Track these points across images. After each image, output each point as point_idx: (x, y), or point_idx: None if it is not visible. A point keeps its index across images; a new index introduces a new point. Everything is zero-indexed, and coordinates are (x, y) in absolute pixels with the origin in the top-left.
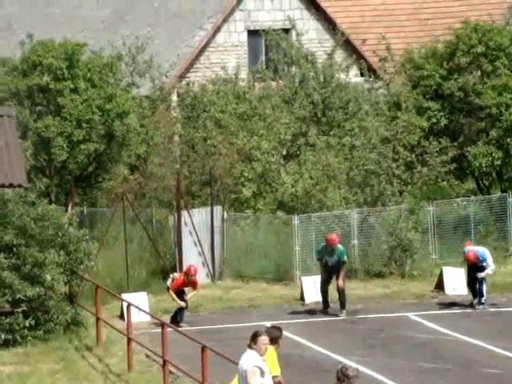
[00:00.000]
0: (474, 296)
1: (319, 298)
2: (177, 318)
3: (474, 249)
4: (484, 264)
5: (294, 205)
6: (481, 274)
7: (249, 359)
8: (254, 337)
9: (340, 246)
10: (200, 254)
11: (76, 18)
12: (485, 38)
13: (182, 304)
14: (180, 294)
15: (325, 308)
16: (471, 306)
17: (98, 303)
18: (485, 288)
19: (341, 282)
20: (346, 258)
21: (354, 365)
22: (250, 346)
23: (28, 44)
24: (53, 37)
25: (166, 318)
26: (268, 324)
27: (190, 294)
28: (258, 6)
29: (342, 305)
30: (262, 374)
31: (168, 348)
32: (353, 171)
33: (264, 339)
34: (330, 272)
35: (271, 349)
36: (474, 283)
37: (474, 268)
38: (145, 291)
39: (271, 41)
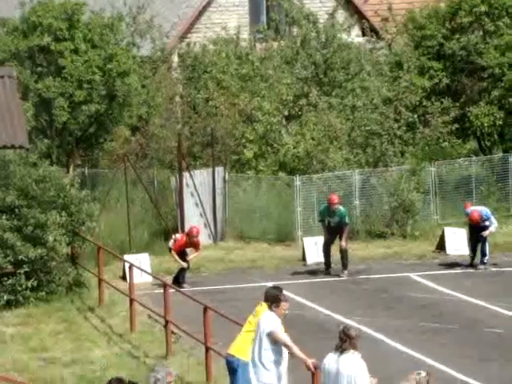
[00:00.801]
0: (474, 257)
1: (321, 259)
2: (179, 278)
3: (477, 208)
4: (487, 223)
5: (296, 166)
6: (485, 233)
7: (271, 320)
8: (277, 300)
9: (341, 208)
10: (202, 215)
11: None
12: None
13: (184, 265)
14: (182, 254)
15: (327, 268)
16: (472, 266)
17: (100, 264)
18: (487, 248)
19: (343, 243)
20: (347, 220)
21: (355, 325)
22: (270, 308)
23: (28, 4)
24: None
25: (168, 279)
26: (270, 284)
27: (192, 254)
28: None
29: (344, 265)
30: None
31: (170, 308)
32: (354, 132)
33: (285, 305)
34: (332, 233)
35: (265, 309)
36: (476, 243)
37: (477, 228)
38: (147, 252)
39: (272, 0)
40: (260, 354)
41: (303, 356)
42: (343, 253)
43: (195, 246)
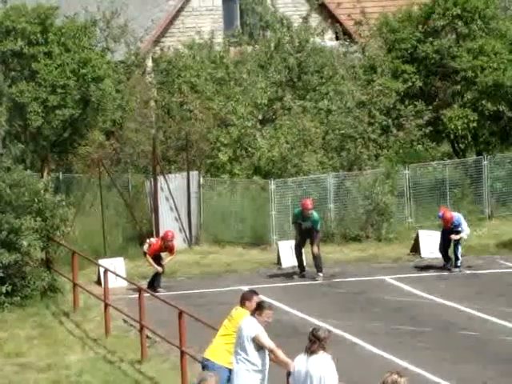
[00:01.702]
0: (446, 260)
1: (296, 263)
2: (154, 283)
3: (450, 211)
4: (459, 229)
5: (271, 169)
6: (455, 237)
7: (253, 325)
8: (261, 308)
9: (315, 213)
10: (176, 219)
11: None
12: (460, 0)
13: (159, 269)
14: (157, 258)
15: (301, 271)
16: (445, 268)
17: (74, 269)
18: (459, 251)
19: (315, 249)
20: (319, 227)
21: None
22: (253, 314)
23: (1, 9)
24: (26, 1)
25: (143, 284)
26: (245, 288)
27: (166, 258)
28: None
29: (319, 268)
30: None
31: (145, 313)
32: (329, 135)
33: (268, 313)
34: (304, 235)
35: (241, 312)
36: (447, 247)
37: (449, 231)
38: (121, 257)
39: (246, 5)
40: (243, 359)
41: (287, 360)
42: (316, 257)
43: (170, 250)
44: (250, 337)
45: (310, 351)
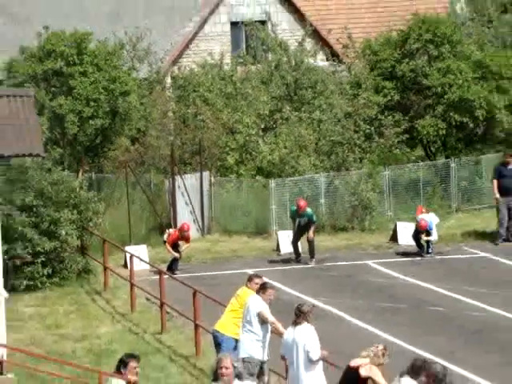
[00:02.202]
0: (419, 247)
1: (292, 250)
2: (172, 266)
3: (425, 217)
4: (430, 231)
5: (271, 170)
6: (426, 238)
7: (259, 302)
8: (265, 288)
9: (308, 210)
10: (191, 212)
11: (84, 11)
12: (431, 27)
13: (176, 255)
14: (175, 246)
15: (297, 257)
16: (419, 255)
17: (105, 254)
18: (432, 239)
19: (311, 234)
20: (315, 219)
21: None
22: (258, 293)
23: (44, 34)
24: (64, 28)
25: (163, 267)
26: (249, 271)
27: (183, 246)
28: (238, 0)
29: (312, 254)
30: None
31: (165, 292)
32: (320, 141)
33: (271, 292)
34: (301, 229)
35: (246, 291)
36: (419, 240)
37: (421, 232)
38: (145, 244)
39: (250, 31)
40: (248, 331)
41: (285, 331)
42: (310, 243)
43: (186, 239)
44: (255, 312)
45: (296, 323)
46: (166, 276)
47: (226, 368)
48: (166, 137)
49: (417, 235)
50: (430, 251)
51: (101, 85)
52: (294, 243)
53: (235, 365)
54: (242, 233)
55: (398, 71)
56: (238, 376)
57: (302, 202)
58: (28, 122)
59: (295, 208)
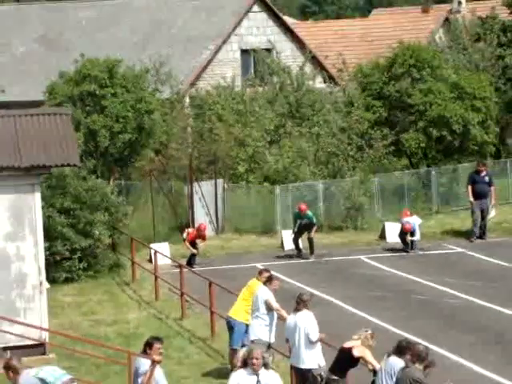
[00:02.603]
0: (405, 244)
1: (294, 247)
2: (191, 261)
3: (409, 220)
4: (414, 232)
5: (276, 178)
6: (411, 238)
7: (266, 292)
8: (271, 279)
9: (309, 212)
10: (207, 214)
11: (115, 41)
12: (414, 54)
13: (194, 251)
14: (193, 244)
15: (298, 253)
16: (404, 251)
17: (132, 251)
18: (416, 239)
19: (311, 234)
20: (315, 221)
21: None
22: (265, 283)
23: (80, 61)
24: (98, 55)
25: (183, 262)
26: (258, 265)
27: (200, 244)
28: (248, 31)
29: (311, 251)
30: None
31: (184, 283)
32: (319, 152)
33: (276, 283)
34: (302, 229)
35: (255, 282)
36: (404, 239)
37: (406, 233)
38: (167, 242)
39: (258, 57)
40: (257, 317)
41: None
42: (310, 241)
43: (203, 237)
44: (263, 300)
45: (297, 309)
46: (186, 269)
47: (257, 359)
48: (185, 149)
49: (402, 235)
50: (414, 248)
51: (129, 104)
52: (295, 241)
53: (264, 355)
54: (251, 232)
55: (385, 92)
56: (265, 365)
57: (303, 206)
58: (66, 137)
59: (297, 211)
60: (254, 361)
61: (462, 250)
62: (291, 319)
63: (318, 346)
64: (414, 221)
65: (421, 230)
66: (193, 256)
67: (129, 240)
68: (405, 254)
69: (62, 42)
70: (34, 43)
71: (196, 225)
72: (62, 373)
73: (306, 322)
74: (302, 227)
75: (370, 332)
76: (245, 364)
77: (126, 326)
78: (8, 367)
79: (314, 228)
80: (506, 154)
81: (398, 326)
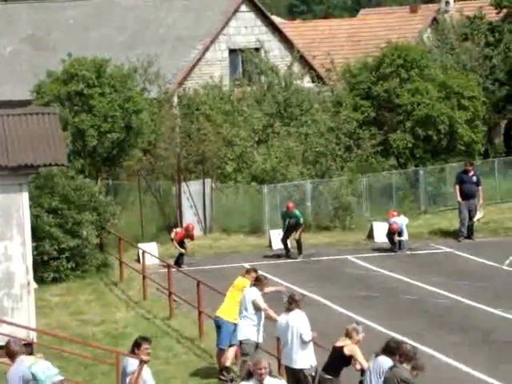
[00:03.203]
0: (392, 244)
1: (282, 246)
2: (179, 261)
3: (396, 221)
4: (402, 232)
5: (264, 177)
6: (399, 238)
7: (254, 292)
8: (259, 280)
9: (297, 211)
10: (195, 214)
11: (102, 41)
12: (402, 54)
13: (183, 251)
14: (181, 243)
15: (287, 253)
16: (392, 250)
17: (120, 251)
18: (403, 239)
19: (297, 235)
20: (302, 221)
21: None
22: (254, 284)
23: (67, 60)
24: (86, 55)
25: (171, 261)
26: (246, 265)
27: (188, 243)
28: (236, 31)
29: (299, 251)
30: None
31: (172, 283)
32: (307, 152)
33: (266, 282)
34: (290, 229)
35: (241, 280)
36: (392, 239)
37: (394, 233)
38: (155, 242)
39: (246, 57)
40: (245, 317)
41: (276, 317)
42: (298, 242)
43: (191, 237)
44: (250, 300)
45: (289, 309)
46: (174, 269)
47: (265, 368)
48: (173, 149)
49: (390, 235)
50: (402, 248)
51: (117, 103)
52: (284, 240)
53: (270, 363)
54: (239, 231)
55: (373, 92)
56: (270, 373)
57: (291, 204)
58: (54, 136)
59: (285, 209)
60: (263, 371)
61: (449, 250)
62: (283, 319)
63: (310, 345)
64: (401, 221)
65: (408, 229)
66: (181, 256)
67: (117, 240)
68: (392, 253)
69: (50, 41)
70: (22, 43)
71: (184, 224)
72: (55, 373)
73: (298, 322)
74: (291, 227)
75: (352, 326)
76: (250, 374)
77: (113, 325)
78: (5, 350)
79: (300, 229)
80: (494, 154)
81: (385, 325)
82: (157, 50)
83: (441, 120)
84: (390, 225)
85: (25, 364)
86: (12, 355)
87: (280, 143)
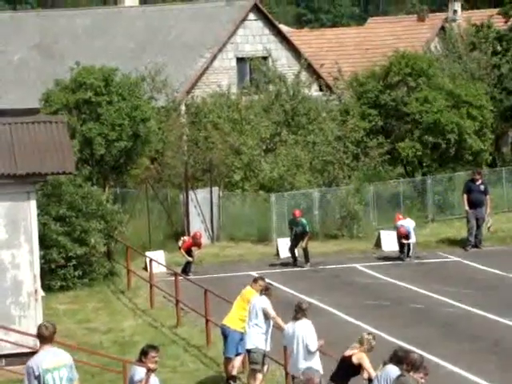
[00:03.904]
0: (401, 252)
1: (289, 255)
2: (186, 269)
3: (404, 224)
4: (410, 235)
5: (271, 186)
6: (406, 241)
7: (264, 301)
8: (267, 289)
9: (303, 220)
10: (202, 222)
11: (110, 50)
12: (410, 62)
13: (190, 259)
14: (188, 251)
15: (294, 261)
16: (400, 259)
17: (128, 259)
18: (411, 247)
19: (303, 244)
20: (308, 229)
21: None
22: (261, 292)
23: (75, 69)
24: (93, 63)
25: (178, 270)
26: (253, 273)
27: (196, 251)
28: (243, 39)
29: (307, 259)
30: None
31: (180, 291)
32: (314, 161)
33: (272, 292)
34: (297, 238)
35: (249, 290)
36: (403, 245)
37: (402, 237)
38: (162, 250)
39: (254, 65)
40: (255, 325)
41: (284, 325)
42: (304, 251)
43: (198, 245)
44: (261, 308)
45: (296, 318)
46: (181, 277)
47: None
48: (181, 157)
49: (399, 240)
50: (410, 255)
51: (124, 112)
52: (291, 249)
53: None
54: (247, 240)
55: (381, 100)
56: None
57: (298, 212)
58: (62, 145)
59: (292, 218)
60: None
61: (457, 259)
62: (290, 327)
63: (317, 355)
64: (407, 224)
65: (416, 237)
66: (188, 264)
67: (124, 248)
68: (400, 262)
69: (58, 49)
70: (30, 51)
71: (191, 232)
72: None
73: (304, 331)
74: (298, 236)
75: (367, 334)
76: None
77: (120, 334)
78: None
79: (307, 237)
80: (502, 163)
81: (393, 334)
82: (164, 59)
83: (450, 129)
84: (397, 228)
85: (49, 355)
86: (43, 340)
87: (287, 152)
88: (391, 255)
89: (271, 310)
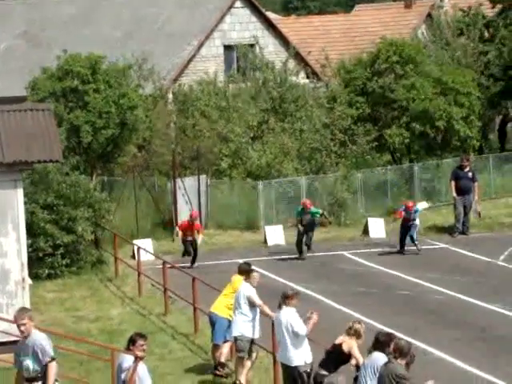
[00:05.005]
0: (402, 247)
1: (278, 242)
2: (186, 253)
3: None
4: (416, 219)
5: (259, 173)
6: (412, 231)
7: (249, 288)
8: (248, 272)
9: (313, 208)
10: (190, 210)
11: (97, 37)
12: (397, 50)
13: (190, 250)
14: (185, 241)
15: (300, 255)
16: (400, 253)
17: (115, 247)
18: (415, 236)
19: (309, 240)
20: (320, 211)
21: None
22: (245, 280)
23: (62, 57)
24: (80, 51)
25: (166, 257)
26: (241, 261)
27: (199, 238)
28: (231, 27)
29: (309, 248)
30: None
31: (167, 279)
32: (301, 148)
33: (255, 276)
34: (304, 227)
35: (238, 278)
36: (404, 236)
37: (406, 226)
38: (150, 238)
39: (241, 53)
40: (240, 313)
41: (271, 313)
42: (308, 246)
43: (197, 228)
44: (245, 296)
45: (280, 306)
46: (169, 264)
47: None
48: (168, 145)
49: (402, 234)
50: (416, 243)
51: (111, 100)
52: (298, 242)
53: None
54: (235, 228)
55: (368, 88)
56: None
57: (308, 201)
58: (48, 133)
59: (301, 207)
60: None
61: (444, 246)
62: (278, 316)
63: (305, 342)
64: (417, 205)
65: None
66: (186, 252)
67: (112, 236)
68: (387, 249)
69: (44, 37)
70: (16, 39)
71: (179, 220)
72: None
73: (290, 319)
74: (305, 225)
75: (357, 323)
76: None
77: (109, 322)
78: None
79: (313, 234)
80: (489, 150)
81: (381, 321)
82: (151, 47)
83: (438, 116)
84: (404, 209)
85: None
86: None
87: (275, 139)
88: (378, 242)
89: (256, 297)
